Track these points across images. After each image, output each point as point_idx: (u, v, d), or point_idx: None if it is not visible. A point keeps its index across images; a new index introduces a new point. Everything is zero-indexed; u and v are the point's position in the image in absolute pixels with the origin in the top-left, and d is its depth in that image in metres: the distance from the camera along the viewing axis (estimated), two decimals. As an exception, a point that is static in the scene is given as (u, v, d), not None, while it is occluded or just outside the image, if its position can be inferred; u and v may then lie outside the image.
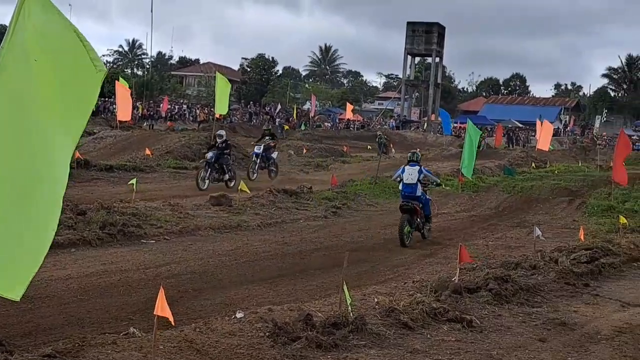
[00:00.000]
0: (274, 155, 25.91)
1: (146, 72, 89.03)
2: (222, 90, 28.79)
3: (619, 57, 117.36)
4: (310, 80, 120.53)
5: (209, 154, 22.07)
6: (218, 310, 9.22)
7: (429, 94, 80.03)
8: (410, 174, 15.59)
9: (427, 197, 16.23)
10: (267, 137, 26.53)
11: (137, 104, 56.92)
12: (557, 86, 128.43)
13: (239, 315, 7.89)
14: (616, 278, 11.26)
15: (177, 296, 9.82)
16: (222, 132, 23.84)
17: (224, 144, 22.72)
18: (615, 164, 22.80)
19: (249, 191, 18.24)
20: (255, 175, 24.70)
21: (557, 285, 10.36)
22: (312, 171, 31.53)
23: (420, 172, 15.71)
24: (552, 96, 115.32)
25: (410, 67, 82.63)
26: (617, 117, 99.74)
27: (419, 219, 15.62)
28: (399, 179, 15.99)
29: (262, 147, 25.21)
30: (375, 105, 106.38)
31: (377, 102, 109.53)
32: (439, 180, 18.16)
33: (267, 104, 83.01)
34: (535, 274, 10.75)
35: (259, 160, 25.07)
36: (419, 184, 15.55)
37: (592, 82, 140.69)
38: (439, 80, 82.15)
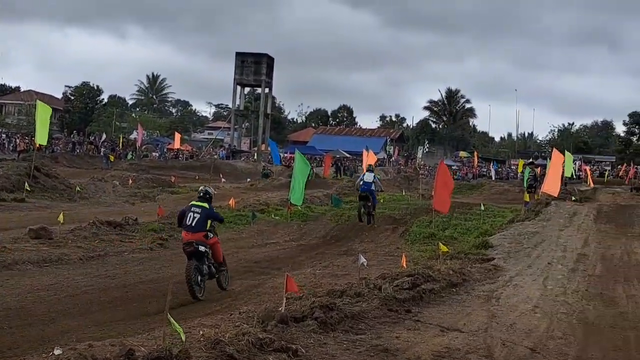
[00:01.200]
0: None
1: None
2: (43, 119, 27.75)
3: (439, 90, 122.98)
4: (138, 109, 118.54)
5: None
6: (35, 348, 8.81)
7: (259, 124, 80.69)
8: (368, 177, 25.20)
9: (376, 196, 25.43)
10: None
11: (-49, 134, 54.15)
12: (383, 118, 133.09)
13: (57, 352, 7.52)
14: (436, 303, 11.61)
15: (-10, 335, 9.28)
16: None
17: None
18: (436, 193, 23.67)
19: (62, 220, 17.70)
20: None
21: (381, 312, 10.55)
22: (138, 202, 30.81)
23: (374, 177, 25.55)
24: (378, 127, 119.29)
25: (240, 97, 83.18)
26: (438, 147, 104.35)
27: (370, 204, 24.46)
28: (361, 181, 25.41)
29: None
30: (205, 135, 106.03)
31: (207, 131, 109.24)
32: (382, 189, 27.82)
33: (92, 133, 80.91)
34: (360, 301, 10.89)
35: None
36: (373, 184, 24.85)
37: (415, 114, 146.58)
38: (268, 111, 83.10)
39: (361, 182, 25.20)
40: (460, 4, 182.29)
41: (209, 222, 13.48)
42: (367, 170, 26.80)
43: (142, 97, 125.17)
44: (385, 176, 56.58)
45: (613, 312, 11.75)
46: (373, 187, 24.70)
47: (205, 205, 13.53)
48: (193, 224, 13.25)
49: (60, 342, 8.81)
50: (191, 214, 13.34)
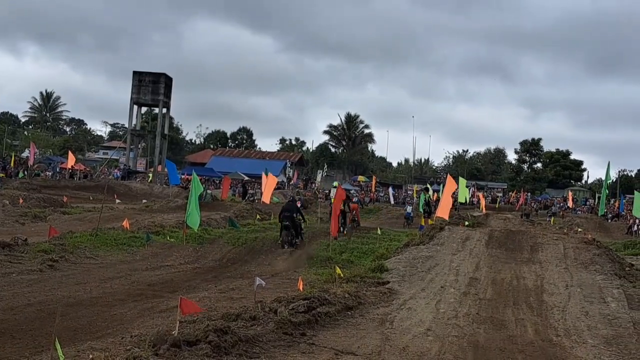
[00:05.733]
0: None
1: None
2: None
3: (339, 115, 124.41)
4: (30, 127, 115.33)
5: None
6: None
7: (155, 145, 79.55)
8: (409, 209, 36.98)
9: None
10: None
11: None
12: (282, 141, 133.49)
13: None
14: (331, 326, 11.63)
15: None
16: None
17: None
18: (334, 216, 23.89)
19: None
20: None
21: (276, 335, 10.48)
22: (28, 222, 29.86)
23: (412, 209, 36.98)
24: (278, 150, 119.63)
25: (136, 117, 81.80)
26: (337, 171, 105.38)
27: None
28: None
29: None
30: (100, 154, 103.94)
31: (102, 151, 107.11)
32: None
33: (-18, 151, 78.25)
34: (255, 324, 10.81)
35: None
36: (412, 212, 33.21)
37: (315, 138, 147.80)
38: (166, 131, 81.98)
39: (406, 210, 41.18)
40: (360, 32, 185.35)
41: None
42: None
43: (36, 115, 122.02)
44: (284, 199, 56.72)
45: (502, 336, 12.01)
46: (412, 214, 36.30)
47: None
48: None
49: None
50: None
